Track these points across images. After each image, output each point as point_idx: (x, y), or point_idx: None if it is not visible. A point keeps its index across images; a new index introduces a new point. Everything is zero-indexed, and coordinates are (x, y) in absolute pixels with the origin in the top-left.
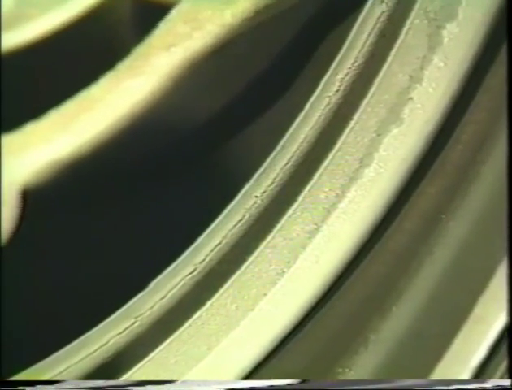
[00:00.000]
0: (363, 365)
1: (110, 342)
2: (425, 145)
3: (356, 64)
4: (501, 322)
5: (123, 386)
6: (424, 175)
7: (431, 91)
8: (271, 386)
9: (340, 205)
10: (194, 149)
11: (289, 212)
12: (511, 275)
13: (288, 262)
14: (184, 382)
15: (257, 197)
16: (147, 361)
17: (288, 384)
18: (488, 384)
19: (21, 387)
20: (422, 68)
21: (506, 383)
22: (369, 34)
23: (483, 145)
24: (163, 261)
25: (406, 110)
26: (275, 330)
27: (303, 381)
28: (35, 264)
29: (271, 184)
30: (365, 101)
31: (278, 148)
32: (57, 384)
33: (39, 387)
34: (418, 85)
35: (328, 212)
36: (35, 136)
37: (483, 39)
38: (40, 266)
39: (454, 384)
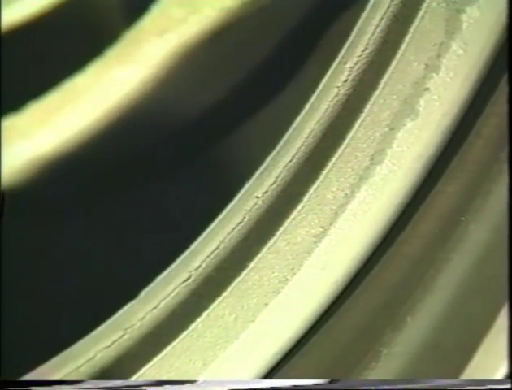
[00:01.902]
0: None
1: (97, 356)
2: (443, 139)
3: (367, 51)
4: None
5: (142, 386)
6: (442, 172)
7: (449, 81)
8: (295, 386)
9: (350, 207)
10: (189, 145)
11: (293, 214)
12: None
13: (292, 269)
14: (204, 382)
15: (258, 197)
16: (137, 377)
17: (315, 384)
18: (488, 385)
19: (37, 387)
20: (439, 56)
21: (507, 385)
22: (381, 18)
23: (507, 140)
24: (155, 267)
25: (422, 102)
26: (278, 343)
27: (331, 381)
28: (11, 271)
29: (274, 183)
30: (376, 92)
31: (281, 144)
32: (75, 384)
33: (56, 387)
34: (434, 75)
35: (336, 214)
36: (14, 132)
37: (505, 24)
38: (16, 273)
39: (454, 385)
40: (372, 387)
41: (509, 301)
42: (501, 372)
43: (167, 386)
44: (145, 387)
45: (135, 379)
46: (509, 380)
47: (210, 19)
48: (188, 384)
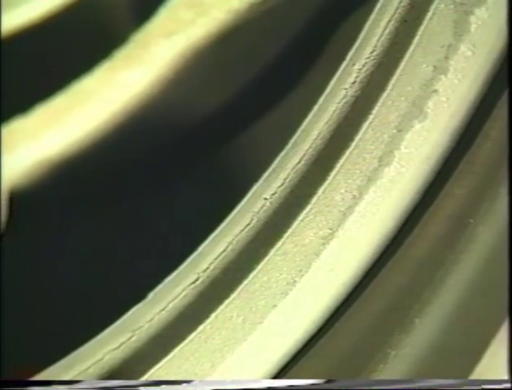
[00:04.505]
0: None
1: (105, 358)
2: (451, 141)
3: (375, 53)
4: None
5: (139, 386)
6: (450, 174)
7: (457, 82)
8: (291, 386)
9: (358, 208)
10: (197, 147)
11: (301, 216)
12: None
13: (300, 271)
14: (201, 382)
15: (266, 199)
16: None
17: (311, 384)
18: (489, 385)
19: (36, 387)
20: (447, 58)
21: (507, 384)
22: (389, 20)
23: (507, 142)
24: (163, 269)
25: (430, 104)
26: (286, 345)
27: (328, 381)
28: (19, 273)
29: (282, 184)
30: (384, 93)
31: (289, 145)
32: (71, 384)
33: (53, 387)
34: (443, 76)
35: (344, 216)
36: (22, 134)
37: (507, 26)
38: (25, 275)
39: (454, 385)
40: (366, 388)
41: (510, 303)
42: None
43: (163, 386)
44: (141, 387)
45: (142, 380)
46: (510, 380)
47: (218, 21)
48: (185, 384)
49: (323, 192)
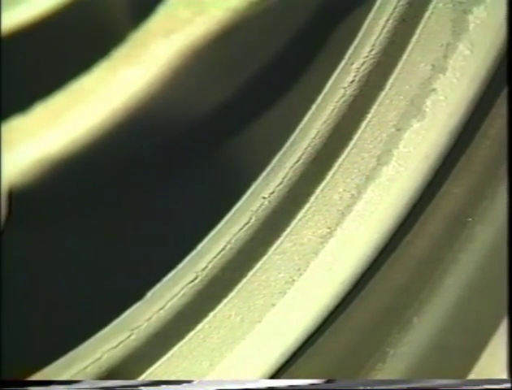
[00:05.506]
0: None
1: (104, 357)
2: (449, 140)
3: (373, 52)
4: None
5: (138, 386)
6: (448, 173)
7: (455, 81)
8: (290, 386)
9: (356, 207)
10: (196, 145)
11: (300, 215)
12: None
13: (299, 270)
14: (201, 382)
15: (264, 198)
16: (144, 378)
17: (311, 384)
18: (488, 385)
19: (35, 388)
20: (445, 56)
21: (507, 384)
22: (387, 19)
23: (506, 140)
24: (162, 268)
25: (429, 103)
26: (284, 344)
27: (328, 381)
28: (18, 271)
29: (280, 183)
30: (383, 92)
31: (287, 144)
32: (72, 384)
33: (53, 387)
34: (441, 75)
35: (343, 215)
36: (21, 132)
37: (506, 25)
38: (24, 273)
39: (454, 385)
40: (369, 388)
41: (509, 302)
42: (506, 374)
43: (163, 386)
44: (141, 387)
45: (141, 379)
46: (510, 380)
47: (216, 20)
48: (185, 384)
49: (322, 192)
